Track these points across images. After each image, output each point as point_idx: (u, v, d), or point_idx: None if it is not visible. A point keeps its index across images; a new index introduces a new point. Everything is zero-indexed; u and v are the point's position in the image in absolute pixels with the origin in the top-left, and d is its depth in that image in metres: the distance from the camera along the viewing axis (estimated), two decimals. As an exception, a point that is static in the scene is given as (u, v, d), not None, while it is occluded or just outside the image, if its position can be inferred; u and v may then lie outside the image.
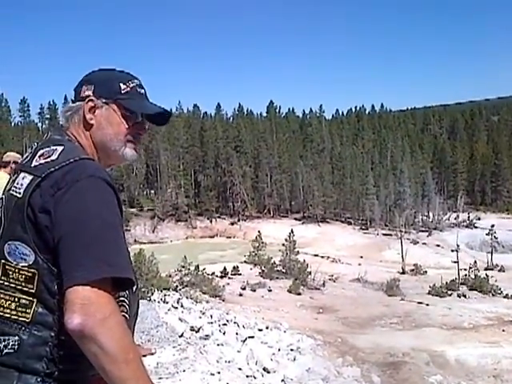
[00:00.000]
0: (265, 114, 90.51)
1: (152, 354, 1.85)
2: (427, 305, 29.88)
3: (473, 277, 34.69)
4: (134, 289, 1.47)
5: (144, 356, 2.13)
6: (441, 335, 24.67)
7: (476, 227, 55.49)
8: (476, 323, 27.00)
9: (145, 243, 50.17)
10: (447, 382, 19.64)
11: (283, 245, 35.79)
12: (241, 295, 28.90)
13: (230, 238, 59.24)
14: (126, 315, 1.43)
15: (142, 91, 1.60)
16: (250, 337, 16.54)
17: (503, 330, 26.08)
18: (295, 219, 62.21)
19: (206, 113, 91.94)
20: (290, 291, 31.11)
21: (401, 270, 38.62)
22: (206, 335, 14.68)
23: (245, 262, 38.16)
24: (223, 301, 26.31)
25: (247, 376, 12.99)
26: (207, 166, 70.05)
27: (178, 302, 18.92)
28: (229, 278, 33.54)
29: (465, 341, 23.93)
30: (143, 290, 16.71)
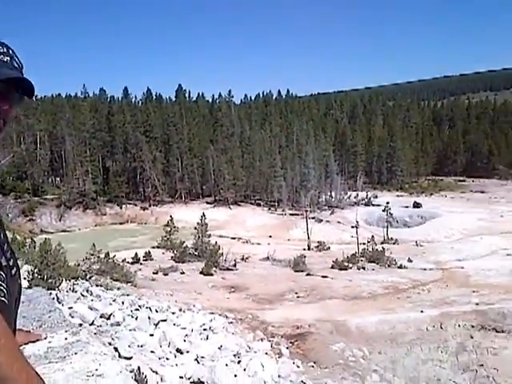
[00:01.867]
0: (174, 99, 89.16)
1: (42, 339, 1.88)
2: (331, 278, 31.24)
3: (371, 250, 36.65)
4: (13, 272, 1.43)
5: (34, 341, 2.17)
6: (343, 306, 25.88)
7: (373, 205, 58.38)
8: (374, 293, 28.60)
9: (51, 232, 48.17)
10: (349, 349, 20.74)
11: (195, 228, 35.79)
12: (153, 280, 28.63)
13: (141, 223, 58.21)
14: (4, 299, 1.36)
15: (6, 59, 1.42)
16: (162, 320, 16.49)
17: (398, 298, 27.83)
18: (207, 203, 62.27)
19: (112, 97, 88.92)
20: (202, 273, 31.28)
21: (306, 247, 39.98)
22: (118, 322, 14.48)
23: (157, 246, 37.79)
24: (135, 286, 25.94)
25: (159, 358, 13.02)
26: (115, 151, 68.06)
27: (87, 291, 18.44)
28: (140, 263, 33.09)
29: (364, 309, 25.26)
30: (50, 280, 16.13)
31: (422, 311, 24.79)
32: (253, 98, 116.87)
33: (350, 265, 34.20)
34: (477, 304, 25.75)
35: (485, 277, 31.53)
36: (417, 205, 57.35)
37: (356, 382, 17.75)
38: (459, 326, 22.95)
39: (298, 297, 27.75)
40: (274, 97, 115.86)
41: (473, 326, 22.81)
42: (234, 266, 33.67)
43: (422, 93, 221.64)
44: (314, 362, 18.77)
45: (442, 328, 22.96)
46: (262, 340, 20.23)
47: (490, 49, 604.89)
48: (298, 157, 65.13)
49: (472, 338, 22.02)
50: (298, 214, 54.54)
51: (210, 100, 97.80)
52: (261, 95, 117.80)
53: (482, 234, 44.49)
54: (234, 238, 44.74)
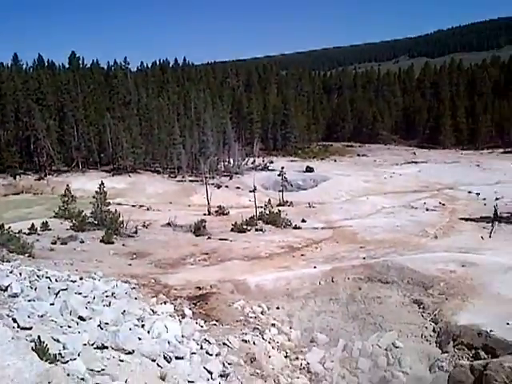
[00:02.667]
0: (67, 66, 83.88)
1: None
2: (230, 241, 31.66)
3: (268, 213, 37.52)
4: None
5: None
6: (242, 266, 26.39)
7: (269, 170, 59.72)
8: (271, 252, 29.43)
9: None
10: (249, 306, 21.25)
11: (94, 197, 34.37)
12: (52, 250, 27.25)
13: (37, 194, 54.77)
14: None
15: None
16: (62, 289, 15.79)
17: (293, 256, 28.87)
18: (105, 171, 59.97)
19: (1, 64, 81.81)
20: (103, 241, 30.30)
21: (207, 212, 40.05)
22: (15, 293, 13.67)
23: (54, 217, 35.88)
24: (33, 257, 24.57)
25: (61, 326, 12.51)
26: (6, 119, 62.96)
27: (-20, 264, 17.15)
28: (38, 234, 31.27)
29: (262, 268, 25.93)
30: None
31: (315, 267, 25.96)
32: (149, 66, 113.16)
33: (249, 227, 34.83)
34: (364, 258, 27.46)
35: (371, 233, 33.62)
36: (309, 169, 59.35)
37: (256, 336, 18.30)
38: (349, 279, 24.32)
39: (199, 260, 27.87)
40: (170, 65, 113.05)
41: (361, 279, 24.28)
42: (135, 232, 32.98)
43: (313, 63, 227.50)
44: (217, 321, 19.05)
45: (333, 282, 24.21)
46: (165, 303, 20.14)
47: (374, 21, 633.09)
48: (197, 124, 64.46)
49: (360, 289, 23.46)
50: (197, 181, 54.35)
51: (106, 67, 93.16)
52: (157, 63, 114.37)
53: (367, 194, 47.23)
54: (134, 206, 43.67)
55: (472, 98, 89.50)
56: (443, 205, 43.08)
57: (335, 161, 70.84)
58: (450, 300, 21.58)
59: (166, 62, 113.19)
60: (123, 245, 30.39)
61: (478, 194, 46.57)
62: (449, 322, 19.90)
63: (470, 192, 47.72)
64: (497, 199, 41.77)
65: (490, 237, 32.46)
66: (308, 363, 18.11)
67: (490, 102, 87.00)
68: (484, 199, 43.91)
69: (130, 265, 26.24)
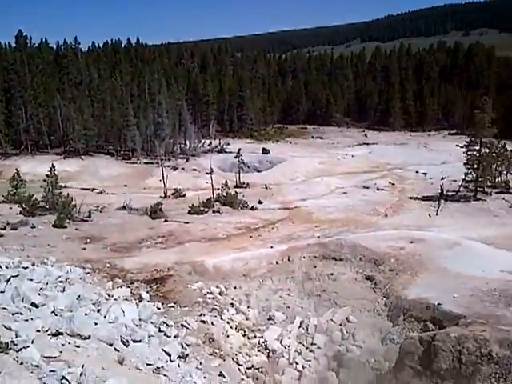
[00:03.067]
0: (14, 45, 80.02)
1: None
2: (187, 223, 31.38)
3: (225, 195, 37.38)
4: None
5: None
6: (200, 247, 26.26)
7: (226, 152, 59.28)
8: (228, 233, 29.40)
9: None
10: (207, 287, 21.22)
11: (44, 181, 33.16)
12: (1, 236, 26.21)
13: (-16, 178, 52.51)
14: None
15: None
16: (13, 276, 15.24)
17: (250, 237, 28.95)
18: (56, 154, 57.87)
19: None
20: (55, 226, 29.39)
21: (163, 195, 39.46)
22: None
23: (3, 201, 34.51)
24: (-19, 244, 23.59)
25: (13, 314, 12.08)
26: (-52, 101, 59.71)
27: None
28: (-15, 220, 29.98)
29: (220, 250, 25.91)
30: None
31: (271, 247, 26.16)
32: (101, 46, 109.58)
33: (206, 209, 34.61)
34: (319, 237, 27.85)
35: (325, 213, 34.10)
36: (265, 151, 59.40)
37: (214, 317, 18.31)
38: (304, 257, 24.67)
39: (156, 243, 27.50)
40: (123, 45, 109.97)
41: (316, 257, 24.67)
42: (89, 216, 32.14)
43: (268, 45, 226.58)
44: (174, 303, 18.93)
45: (289, 261, 24.51)
46: (121, 287, 19.83)
47: (328, 6, 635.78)
48: (151, 106, 63.07)
49: (315, 267, 23.85)
50: (153, 163, 53.40)
51: (55, 47, 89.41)
52: (109, 43, 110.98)
53: (322, 175, 47.76)
54: (87, 189, 42.45)
55: (420, 82, 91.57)
56: (393, 184, 44.12)
57: (290, 143, 71.17)
58: (400, 275, 22.22)
59: (118, 42, 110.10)
60: (76, 229, 29.58)
61: (425, 173, 47.93)
62: (399, 296, 20.51)
63: (417, 172, 49.04)
64: (443, 178, 43.12)
65: (436, 214, 33.53)
66: (266, 341, 18.29)
67: (437, 85, 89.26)
68: (431, 179, 45.26)
69: (84, 249, 25.60)
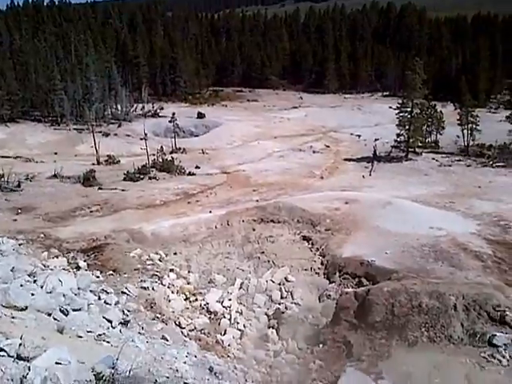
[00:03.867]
0: None
1: None
2: (123, 190, 30.94)
3: (161, 160, 37.00)
4: None
5: None
6: (137, 215, 26.11)
7: (160, 116, 58.12)
8: (166, 200, 29.34)
9: None
10: (146, 254, 21.29)
11: (-34, 149, 31.45)
12: None
13: None
14: None
15: None
16: None
17: (188, 202, 29.05)
18: (-23, 121, 54.66)
19: None
20: (-19, 197, 28.16)
21: (96, 162, 38.49)
22: None
23: None
24: None
25: None
26: None
27: None
28: None
29: (158, 216, 25.88)
30: None
31: (210, 212, 26.44)
32: (21, 5, 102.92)
33: (142, 176, 34.20)
34: (257, 201, 28.39)
35: (263, 177, 34.64)
36: (201, 115, 58.76)
37: (155, 283, 18.49)
38: (243, 221, 25.16)
39: (91, 211, 27.02)
40: (45, 3, 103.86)
41: (254, 220, 25.23)
42: (18, 186, 30.93)
43: (200, 4, 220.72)
44: (113, 271, 18.91)
45: (228, 225, 24.93)
46: (57, 257, 19.55)
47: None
48: (79, 69, 60.37)
49: (254, 230, 24.42)
50: (83, 129, 51.52)
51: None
52: (30, 1, 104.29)
53: (259, 139, 48.13)
54: (14, 158, 40.61)
55: (354, 43, 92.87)
56: (328, 147, 45.27)
57: (226, 106, 70.74)
58: (336, 235, 23.24)
59: (39, 1, 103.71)
60: (6, 200, 28.47)
61: (359, 135, 49.41)
62: (335, 254, 21.52)
63: (352, 134, 50.46)
64: (376, 140, 44.70)
65: (370, 175, 34.93)
66: (207, 303, 18.75)
67: (370, 47, 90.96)
68: (365, 140, 46.78)
69: (16, 220, 24.81)
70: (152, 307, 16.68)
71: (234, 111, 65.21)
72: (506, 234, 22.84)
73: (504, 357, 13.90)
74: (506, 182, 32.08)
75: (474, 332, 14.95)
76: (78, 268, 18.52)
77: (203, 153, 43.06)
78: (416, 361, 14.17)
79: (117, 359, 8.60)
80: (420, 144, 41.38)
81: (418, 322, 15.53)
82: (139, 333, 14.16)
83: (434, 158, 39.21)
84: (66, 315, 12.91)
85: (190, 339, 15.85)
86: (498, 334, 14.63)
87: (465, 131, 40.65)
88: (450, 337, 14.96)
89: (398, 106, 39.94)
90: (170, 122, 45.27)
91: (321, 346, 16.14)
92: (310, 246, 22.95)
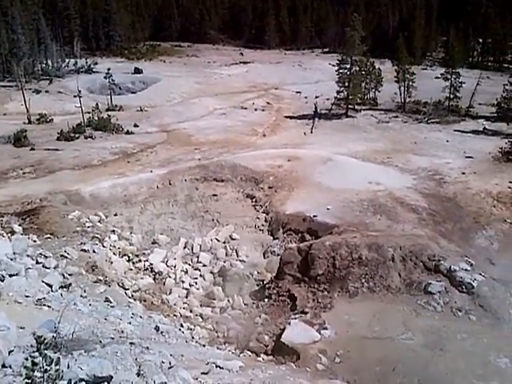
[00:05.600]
0: None
1: None
2: (57, 150, 29.69)
3: (96, 119, 35.62)
4: None
5: None
6: (74, 175, 25.24)
7: (94, 72, 55.55)
8: (104, 159, 28.46)
9: None
10: (85, 215, 20.74)
11: None
12: None
13: None
14: None
15: None
16: None
17: (128, 162, 28.37)
18: None
19: None
20: None
21: (27, 121, 36.55)
22: None
23: None
24: None
25: None
26: None
27: None
28: None
29: (96, 176, 25.13)
30: None
31: (151, 171, 25.97)
32: None
33: (77, 135, 32.87)
34: (199, 159, 28.10)
35: (204, 135, 34.18)
36: (138, 70, 56.71)
37: (95, 245, 18.14)
38: (186, 180, 24.92)
39: (24, 173, 25.80)
40: None
41: (197, 179, 25.04)
42: None
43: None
44: (51, 234, 18.34)
45: (170, 184, 24.62)
46: (-11, 221, 18.68)
47: None
48: (4, 21, 56.40)
49: (197, 189, 24.28)
50: (11, 86, 48.59)
51: None
52: None
53: (199, 96, 47.21)
54: None
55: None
56: (270, 104, 45.15)
57: (164, 61, 68.59)
58: (279, 192, 23.54)
59: None
60: None
61: (300, 92, 49.49)
62: (278, 211, 21.85)
63: (293, 91, 50.49)
64: (317, 97, 44.96)
65: (311, 132, 35.27)
66: (151, 264, 18.66)
67: (310, 1, 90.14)
68: (306, 97, 46.92)
69: None
70: (94, 270, 16.38)
71: (173, 67, 63.43)
72: (440, 188, 23.93)
73: (438, 303, 14.78)
74: (440, 138, 33.33)
75: (411, 281, 15.75)
76: (13, 232, 17.81)
77: (141, 110, 41.78)
78: (357, 310, 14.81)
79: (58, 323, 8.43)
80: (359, 101, 42.04)
81: (358, 273, 16.17)
82: (81, 296, 13.91)
83: (372, 115, 40.00)
84: (3, 281, 12.47)
85: (135, 300, 15.78)
86: (432, 282, 15.50)
87: (402, 88, 41.57)
88: (389, 286, 15.70)
89: (338, 62, 40.14)
90: (105, 78, 43.41)
91: (266, 300, 16.55)
92: (253, 203, 23.15)
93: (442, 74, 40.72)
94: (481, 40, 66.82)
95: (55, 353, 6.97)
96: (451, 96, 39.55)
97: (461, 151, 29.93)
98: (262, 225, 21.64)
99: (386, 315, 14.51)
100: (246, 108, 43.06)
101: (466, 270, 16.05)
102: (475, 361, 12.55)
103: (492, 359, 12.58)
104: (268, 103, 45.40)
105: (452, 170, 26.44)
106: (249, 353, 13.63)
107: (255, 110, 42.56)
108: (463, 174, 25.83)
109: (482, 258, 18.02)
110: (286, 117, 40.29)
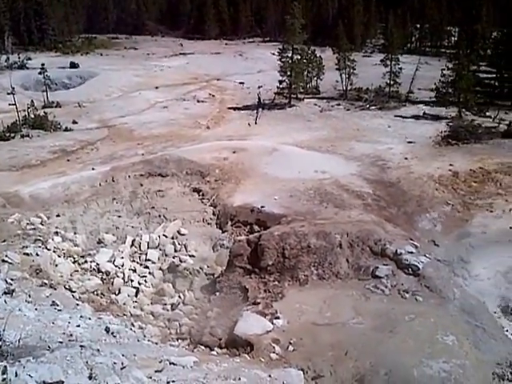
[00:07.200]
0: None
1: None
2: (-8, 151, 28.57)
3: (33, 116, 34.45)
4: None
5: None
6: (11, 177, 24.45)
7: (28, 68, 53.58)
8: (43, 159, 27.65)
9: None
10: (26, 218, 20.14)
11: None
12: None
13: None
14: None
15: None
16: None
17: (68, 160, 27.72)
18: None
19: None
20: None
21: (-44, 121, 34.82)
22: None
23: None
24: None
25: None
26: None
27: None
28: None
29: (35, 177, 24.44)
30: None
31: (93, 169, 25.47)
32: None
33: (13, 134, 31.71)
34: (143, 155, 27.78)
35: (147, 129, 33.75)
36: (74, 65, 55.03)
37: (38, 248, 17.69)
38: (129, 176, 24.56)
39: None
40: None
41: (142, 175, 24.72)
42: None
43: None
44: (-10, 239, 17.69)
45: (114, 181, 24.20)
46: None
47: None
48: None
49: (142, 185, 23.98)
50: None
51: None
52: None
53: (139, 89, 46.38)
54: None
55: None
56: (212, 96, 44.98)
57: (101, 55, 66.89)
58: (226, 184, 23.64)
59: None
60: None
61: (242, 83, 49.54)
62: (226, 204, 21.96)
63: (235, 82, 50.47)
64: (259, 87, 45.19)
65: (255, 123, 35.48)
66: (98, 264, 18.35)
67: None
68: (248, 88, 47.04)
69: None
70: (38, 273, 15.96)
71: (111, 60, 61.96)
72: (383, 173, 24.74)
73: (386, 287, 15.33)
74: (382, 124, 34.32)
75: (359, 266, 16.26)
76: None
77: (80, 106, 40.68)
78: (308, 298, 15.15)
79: (3, 330, 8.22)
80: (302, 90, 42.54)
81: (308, 261, 16.52)
82: (26, 301, 13.51)
83: (315, 104, 40.60)
84: None
85: (83, 302, 15.49)
86: (379, 266, 16.06)
87: (343, 76, 42.40)
88: (338, 273, 16.14)
89: (279, 51, 40.46)
90: (39, 73, 41.91)
91: (217, 294, 16.64)
92: (200, 197, 23.12)
93: (381, 61, 41.78)
94: (418, 26, 68.88)
95: (1, 361, 6.82)
96: (391, 82, 40.65)
97: (402, 136, 30.96)
98: (210, 218, 21.68)
99: (337, 301, 14.92)
100: (188, 100, 42.72)
101: (411, 252, 16.70)
102: (423, 340, 13.12)
103: (439, 337, 13.17)
104: (211, 95, 45.21)
105: (394, 155, 27.34)
106: (202, 347, 13.69)
107: (198, 101, 42.30)
108: (405, 158, 26.77)
109: (426, 240, 18.82)
110: (230, 108, 40.29)
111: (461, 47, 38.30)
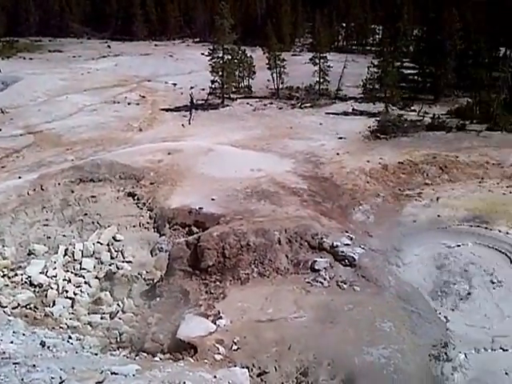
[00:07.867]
0: None
1: None
2: None
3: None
4: None
5: None
6: None
7: None
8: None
9: None
10: None
11: None
12: None
13: None
14: None
15: None
16: None
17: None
18: None
19: None
20: None
21: None
22: None
23: None
24: None
25: None
26: None
27: None
28: None
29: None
30: None
31: (19, 177, 24.38)
32: None
33: None
34: (72, 160, 26.86)
35: (76, 134, 32.66)
36: (-7, 70, 52.59)
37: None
38: (59, 184, 23.65)
39: None
40: None
41: (72, 181, 23.87)
42: None
43: None
44: None
45: (43, 189, 23.25)
46: None
47: None
48: None
49: (73, 192, 23.15)
50: None
51: None
52: None
53: (66, 93, 44.82)
54: None
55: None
56: (144, 97, 44.18)
57: (24, 58, 64.07)
58: (162, 187, 23.27)
59: None
60: None
61: (174, 84, 48.96)
62: (162, 207, 21.62)
63: (167, 83, 49.78)
64: (192, 88, 44.83)
65: (189, 124, 35.20)
66: (29, 276, 17.61)
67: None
68: (181, 89, 46.55)
69: None
70: (-36, 291, 15.08)
71: (35, 64, 59.51)
72: (317, 169, 25.22)
73: (325, 279, 15.66)
74: (314, 121, 34.98)
75: (298, 261, 16.52)
76: None
77: (3, 112, 38.76)
78: (249, 296, 15.21)
79: None
80: (234, 89, 42.64)
81: (248, 259, 16.59)
82: (-49, 321, 12.77)
83: (248, 103, 40.77)
84: None
85: (15, 317, 14.83)
86: (318, 259, 16.38)
87: (274, 75, 42.83)
88: (278, 269, 16.32)
89: (210, 52, 40.33)
90: None
91: (158, 299, 16.37)
92: (136, 201, 22.62)
93: (310, 59, 42.55)
94: (344, 25, 70.74)
95: None
96: (321, 80, 41.55)
97: (334, 133, 31.71)
98: (147, 222, 21.25)
99: (278, 297, 15.06)
100: (118, 102, 41.70)
101: (347, 244, 17.16)
102: (363, 328, 13.51)
103: (378, 325, 13.62)
104: (142, 96, 44.38)
105: (327, 151, 27.94)
106: (144, 354, 13.42)
107: (128, 104, 41.41)
108: (337, 154, 27.43)
109: (361, 232, 19.33)
110: (162, 109, 39.74)
111: (385, 45, 39.57)
